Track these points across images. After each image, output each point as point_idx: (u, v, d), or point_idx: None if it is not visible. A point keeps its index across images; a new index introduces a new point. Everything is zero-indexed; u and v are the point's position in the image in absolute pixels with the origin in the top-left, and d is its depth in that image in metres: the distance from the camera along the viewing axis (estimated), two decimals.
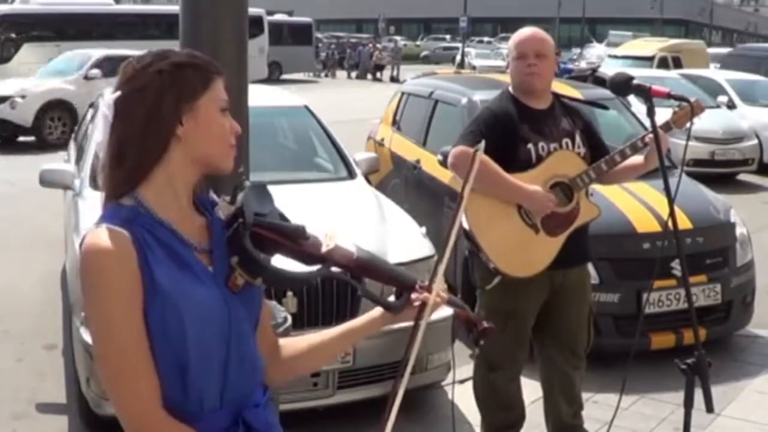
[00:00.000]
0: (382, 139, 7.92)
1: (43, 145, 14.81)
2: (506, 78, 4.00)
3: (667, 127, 3.38)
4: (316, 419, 4.12)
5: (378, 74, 37.13)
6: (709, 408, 2.55)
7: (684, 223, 5.00)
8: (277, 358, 1.79)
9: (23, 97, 15.14)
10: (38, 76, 16.72)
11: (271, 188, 1.72)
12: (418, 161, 6.79)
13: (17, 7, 25.06)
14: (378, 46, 40.49)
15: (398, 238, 4.46)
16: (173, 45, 1.95)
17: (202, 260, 1.61)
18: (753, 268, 5.56)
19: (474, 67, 36.46)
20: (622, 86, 3.11)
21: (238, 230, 1.58)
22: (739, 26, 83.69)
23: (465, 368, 4.12)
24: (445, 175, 5.68)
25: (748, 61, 17.69)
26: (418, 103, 7.48)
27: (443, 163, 4.32)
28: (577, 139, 3.59)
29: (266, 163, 5.08)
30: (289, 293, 3.86)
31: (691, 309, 2.80)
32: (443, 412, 4.36)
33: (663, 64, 20.85)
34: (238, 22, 2.76)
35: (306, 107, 6.24)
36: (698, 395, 2.57)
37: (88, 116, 7.13)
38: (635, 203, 5.27)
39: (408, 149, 7.20)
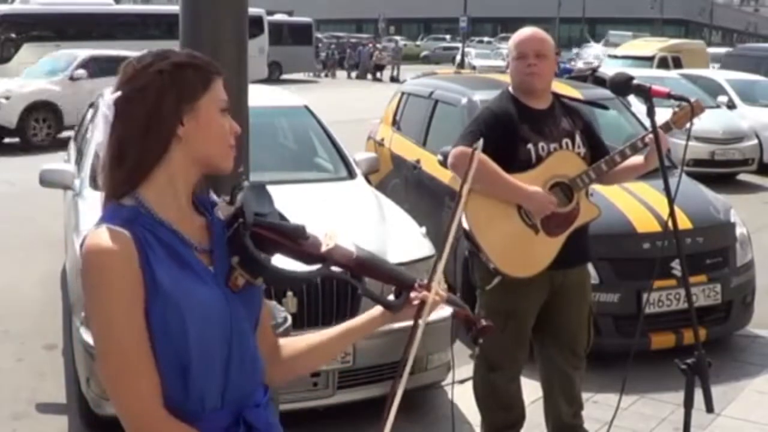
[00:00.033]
0: (382, 139, 7.92)
1: (27, 147, 14.56)
2: (506, 78, 4.00)
3: (667, 127, 3.38)
4: (316, 419, 4.12)
5: (378, 74, 37.13)
6: (709, 408, 2.55)
7: (684, 223, 5.00)
8: (277, 358, 1.79)
9: (7, 98, 14.87)
10: (24, 76, 16.49)
11: (271, 188, 1.72)
12: (418, 161, 6.79)
13: (17, 7, 25.07)
14: (378, 46, 40.49)
15: (398, 238, 4.46)
16: (173, 45, 1.95)
17: (203, 260, 1.61)
18: (753, 268, 5.56)
19: (474, 67, 36.46)
20: (622, 86, 3.11)
21: (239, 230, 1.59)
22: (739, 26, 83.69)
23: (465, 368, 4.12)
24: (445, 175, 5.68)
25: (748, 61, 17.70)
26: (418, 103, 7.48)
27: (443, 163, 4.32)
28: (577, 139, 3.59)
29: (266, 163, 5.08)
30: (289, 293, 3.86)
31: (691, 309, 2.80)
32: (443, 412, 4.36)
33: (663, 64, 20.86)
34: (238, 22, 2.76)
35: (306, 107, 6.24)
36: (698, 395, 2.57)
37: (88, 116, 7.13)
38: (635, 203, 5.27)
39: (408, 149, 7.20)
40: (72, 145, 7.77)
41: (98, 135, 1.63)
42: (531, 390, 4.00)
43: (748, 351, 5.48)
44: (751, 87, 14.32)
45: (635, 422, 4.37)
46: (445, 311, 2.04)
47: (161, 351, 1.53)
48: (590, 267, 3.93)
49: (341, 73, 38.41)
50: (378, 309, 1.79)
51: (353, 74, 38.08)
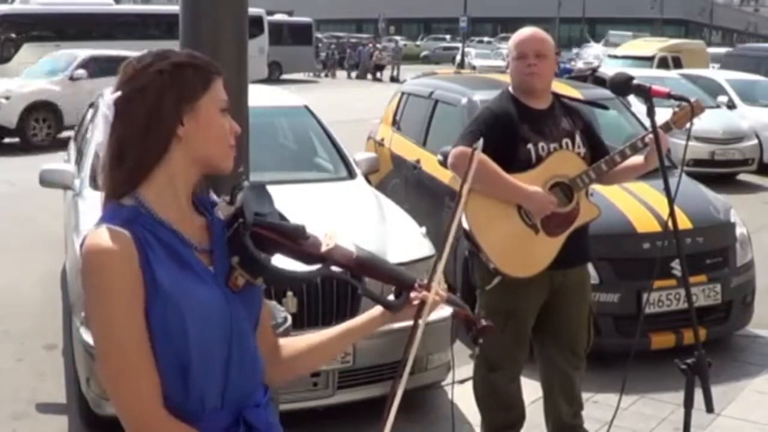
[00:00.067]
0: (382, 139, 7.92)
1: (27, 147, 14.52)
2: (506, 78, 4.00)
3: (667, 127, 3.38)
4: (316, 419, 4.12)
5: (378, 74, 37.13)
6: (709, 408, 2.55)
7: (684, 223, 5.00)
8: (277, 358, 1.79)
9: (7, 98, 14.83)
10: (24, 76, 16.44)
11: (271, 188, 1.72)
12: (418, 161, 6.79)
13: (17, 7, 25.07)
14: (378, 46, 40.48)
15: (398, 238, 4.46)
16: (173, 45, 1.95)
17: (203, 260, 1.61)
18: (753, 268, 5.56)
19: (474, 67, 36.45)
20: (622, 86, 3.11)
21: (239, 230, 1.59)
22: (739, 26, 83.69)
23: (465, 368, 4.12)
24: (445, 175, 5.68)
25: (748, 61, 17.70)
26: (418, 103, 7.48)
27: (443, 163, 4.32)
28: (577, 139, 3.58)
29: (266, 163, 5.08)
30: (289, 293, 3.86)
31: (691, 309, 2.80)
32: (443, 412, 4.36)
33: (663, 64, 20.86)
34: (238, 22, 2.76)
35: (306, 107, 6.24)
36: (698, 395, 2.57)
37: (88, 116, 7.13)
38: (635, 203, 5.27)
39: (408, 149, 7.20)
40: (72, 145, 7.77)
41: (98, 135, 1.63)
42: (531, 390, 4.00)
43: (748, 351, 5.48)
44: (751, 87, 14.32)
45: (635, 422, 4.37)
46: (445, 311, 2.04)
47: (161, 351, 1.53)
48: (590, 267, 3.93)
49: (341, 73, 38.41)
50: (378, 309, 1.79)
51: (353, 74, 38.08)
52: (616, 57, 23.10)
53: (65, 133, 14.87)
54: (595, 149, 3.62)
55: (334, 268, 1.68)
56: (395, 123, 7.93)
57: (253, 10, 21.61)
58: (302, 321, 3.86)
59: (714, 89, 13.52)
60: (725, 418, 4.38)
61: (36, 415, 4.54)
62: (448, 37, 60.91)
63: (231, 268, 1.60)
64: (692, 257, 4.92)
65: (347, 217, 4.62)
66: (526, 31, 3.62)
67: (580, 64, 26.42)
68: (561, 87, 4.84)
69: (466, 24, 42.38)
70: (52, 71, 16.02)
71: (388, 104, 8.37)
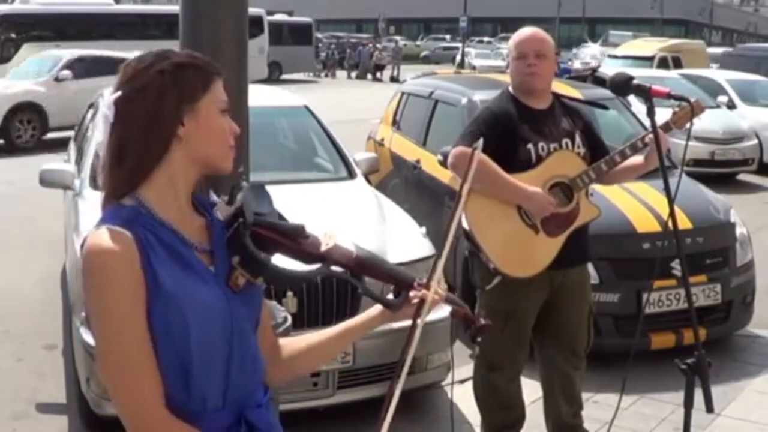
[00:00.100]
0: (382, 139, 7.92)
1: (11, 149, 14.32)
2: (506, 78, 4.00)
3: (667, 127, 3.38)
4: (316, 419, 4.12)
5: (378, 74, 37.13)
6: (709, 408, 2.55)
7: (684, 223, 5.00)
8: (277, 357, 1.79)
9: None
10: (9, 77, 16.22)
11: (271, 188, 1.72)
12: (418, 161, 6.79)
13: (17, 7, 25.07)
14: (378, 46, 40.49)
15: (398, 238, 4.46)
16: (173, 45, 1.95)
17: (203, 260, 1.61)
18: (753, 268, 5.56)
19: (474, 67, 36.46)
20: (622, 86, 3.11)
21: (239, 230, 1.59)
22: (739, 26, 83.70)
23: (465, 368, 4.12)
24: (445, 175, 5.68)
25: (748, 61, 17.70)
26: (418, 103, 7.48)
27: (443, 163, 4.32)
28: (577, 139, 3.58)
29: (266, 163, 5.08)
30: (289, 293, 3.86)
31: (691, 309, 2.80)
32: (443, 412, 4.36)
33: (663, 64, 20.87)
34: (238, 22, 2.76)
35: (306, 107, 6.24)
36: (698, 395, 2.57)
37: (88, 116, 7.13)
38: (635, 203, 5.27)
39: (408, 149, 7.20)
40: (72, 145, 7.77)
41: (98, 135, 1.63)
42: (531, 390, 4.00)
43: (748, 351, 5.48)
44: (751, 87, 14.32)
45: (635, 422, 4.37)
46: (444, 311, 2.04)
47: (163, 351, 1.53)
48: (590, 267, 3.93)
49: (341, 73, 38.40)
50: (377, 308, 1.79)
51: (353, 74, 38.08)
52: (616, 57, 23.11)
53: (50, 135, 14.83)
54: (595, 149, 3.62)
55: (334, 268, 1.68)
56: (395, 123, 7.93)
57: (253, 10, 21.62)
58: (302, 321, 3.86)
59: (714, 89, 13.53)
60: (725, 418, 4.38)
61: (36, 415, 4.54)
62: (448, 37, 60.91)
63: (231, 268, 1.60)
64: (692, 257, 4.92)
65: (347, 217, 4.62)
66: (526, 31, 3.61)
67: (576, 64, 26.47)
68: (561, 87, 4.84)
69: (466, 24, 42.37)
70: (39, 72, 15.73)
71: (388, 104, 8.37)
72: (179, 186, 1.61)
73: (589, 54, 33.64)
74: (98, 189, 1.89)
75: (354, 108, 18.22)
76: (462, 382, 4.26)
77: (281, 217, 1.69)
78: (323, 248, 1.67)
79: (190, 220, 1.64)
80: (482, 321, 1.83)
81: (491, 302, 3.56)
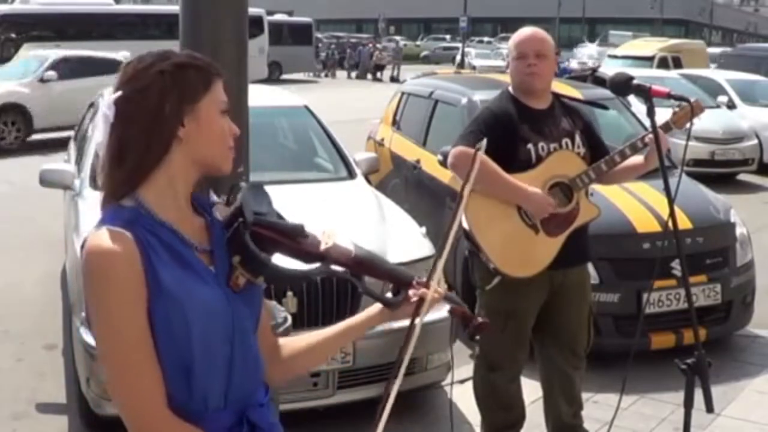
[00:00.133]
0: (382, 139, 7.92)
1: None
2: (506, 78, 4.00)
3: (666, 127, 3.38)
4: (316, 419, 4.12)
5: (378, 74, 37.13)
6: (709, 408, 2.55)
7: (684, 223, 5.00)
8: (277, 357, 1.79)
9: None
10: None
11: (271, 188, 1.72)
12: (418, 161, 6.79)
13: (17, 7, 25.09)
14: (378, 46, 40.48)
15: (398, 238, 4.46)
16: (173, 45, 1.95)
17: (204, 260, 1.61)
18: (753, 268, 5.56)
19: (474, 67, 36.46)
20: (622, 86, 3.11)
21: (239, 230, 1.59)
22: (739, 26, 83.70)
23: (465, 368, 4.12)
24: (445, 175, 5.68)
25: (748, 61, 17.70)
26: (418, 103, 7.48)
27: (443, 163, 4.32)
28: (577, 139, 3.58)
29: (266, 163, 5.08)
30: (289, 293, 3.86)
31: (691, 309, 2.80)
32: (443, 412, 4.36)
33: (663, 64, 20.87)
34: (238, 22, 2.76)
35: (306, 107, 6.24)
36: (698, 395, 2.57)
37: (88, 116, 7.13)
38: (635, 203, 5.28)
39: (408, 149, 7.20)
40: (72, 145, 7.77)
41: (98, 135, 1.63)
42: (531, 390, 4.00)
43: (748, 351, 5.48)
44: (751, 87, 14.32)
45: (635, 422, 4.37)
46: (444, 311, 2.04)
47: (164, 351, 1.53)
48: (590, 267, 3.93)
49: (341, 73, 38.40)
50: (376, 307, 1.80)
51: (353, 74, 38.08)
52: (616, 57, 23.10)
53: (35, 137, 14.65)
54: (595, 149, 3.62)
55: (334, 267, 1.69)
56: (395, 123, 7.93)
57: (253, 10, 21.61)
58: (302, 321, 3.86)
59: (714, 89, 13.53)
60: (725, 418, 4.38)
61: (36, 415, 4.54)
62: (448, 37, 60.91)
63: (232, 268, 1.60)
64: (692, 257, 4.92)
65: (347, 217, 4.62)
66: (526, 31, 3.61)
67: (573, 64, 26.49)
68: (561, 87, 4.84)
69: (466, 24, 42.38)
70: (23, 73, 15.42)
71: (388, 104, 8.37)
72: (179, 186, 1.61)
73: (586, 54, 33.67)
74: (98, 189, 1.89)
75: (354, 108, 18.22)
76: (462, 382, 4.26)
77: (280, 217, 1.70)
78: (322, 247, 1.68)
79: (190, 220, 1.64)
80: (480, 319, 1.84)
81: (491, 302, 3.56)
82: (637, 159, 3.54)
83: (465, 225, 3.45)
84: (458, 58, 40.31)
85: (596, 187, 3.95)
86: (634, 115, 6.90)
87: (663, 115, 3.26)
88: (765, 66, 16.78)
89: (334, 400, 4.12)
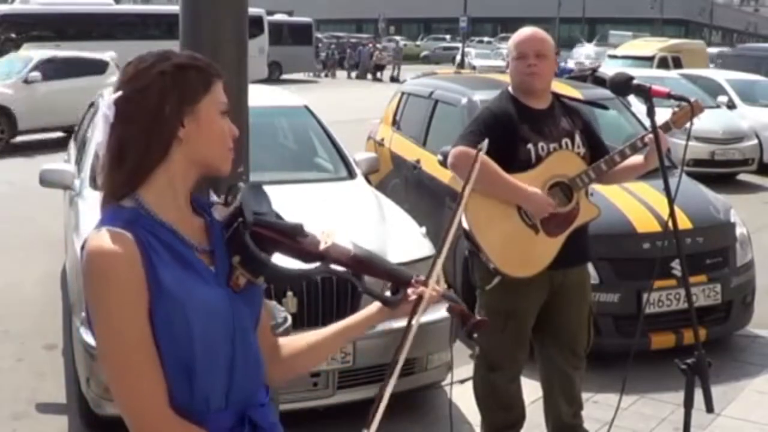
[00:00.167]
0: (382, 139, 7.92)
1: None
2: (506, 78, 4.00)
3: (666, 127, 3.38)
4: (316, 419, 4.12)
5: (378, 74, 37.13)
6: (709, 408, 2.55)
7: (684, 223, 5.01)
8: (277, 357, 1.79)
9: None
10: None
11: (271, 188, 1.73)
12: (418, 161, 6.79)
13: (17, 7, 25.10)
14: (378, 46, 40.48)
15: (398, 238, 4.46)
16: (173, 45, 1.95)
17: (204, 261, 1.61)
18: (753, 268, 5.56)
19: (474, 67, 36.46)
20: (622, 86, 3.11)
21: (239, 230, 1.59)
22: (739, 26, 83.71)
23: (465, 368, 4.13)
24: (445, 175, 5.68)
25: (748, 61, 17.70)
26: (418, 103, 7.48)
27: (443, 163, 4.32)
28: (577, 139, 3.59)
29: (266, 163, 5.08)
30: (289, 293, 3.86)
31: (691, 309, 2.80)
32: (443, 412, 4.36)
33: (663, 64, 20.87)
34: (238, 22, 2.76)
35: (306, 107, 6.24)
36: (698, 395, 2.57)
37: (88, 116, 7.13)
38: (635, 203, 5.28)
39: (408, 149, 7.20)
40: (72, 145, 7.78)
41: (98, 135, 1.63)
42: (531, 390, 4.00)
43: (748, 351, 5.48)
44: (751, 87, 14.33)
45: (635, 422, 4.37)
46: (444, 311, 2.05)
47: (166, 351, 1.53)
48: (590, 267, 3.93)
49: (341, 73, 38.40)
50: (375, 305, 1.81)
51: (353, 74, 38.08)
52: (616, 57, 23.11)
53: (20, 138, 14.47)
54: (595, 149, 3.62)
55: (334, 266, 1.69)
56: (395, 123, 7.93)
57: (253, 10, 21.62)
58: (302, 321, 3.86)
59: (714, 89, 13.53)
60: (725, 418, 4.38)
61: (36, 415, 4.54)
62: (448, 37, 60.91)
63: (232, 268, 1.60)
64: (692, 257, 4.92)
65: (347, 217, 4.62)
66: (526, 31, 3.61)
67: (570, 64, 26.50)
68: (561, 87, 4.84)
69: (466, 24, 42.38)
70: (7, 74, 15.16)
71: (388, 104, 8.37)
72: (178, 187, 1.61)
73: (583, 54, 33.69)
74: (98, 189, 1.89)
75: (354, 108, 18.22)
76: (462, 382, 4.27)
77: (279, 217, 1.70)
78: (322, 247, 1.68)
79: (189, 220, 1.64)
80: (478, 317, 1.85)
81: (491, 302, 3.56)
82: (637, 159, 3.54)
83: (465, 225, 3.45)
84: (458, 58, 40.31)
85: (596, 187, 3.95)
86: (634, 115, 6.90)
87: (663, 115, 3.27)
88: (765, 66, 16.79)
89: (334, 400, 4.12)
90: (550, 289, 3.59)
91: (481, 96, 5.95)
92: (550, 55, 3.56)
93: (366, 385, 4.12)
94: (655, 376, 4.61)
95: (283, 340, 1.85)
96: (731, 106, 13.18)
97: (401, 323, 1.79)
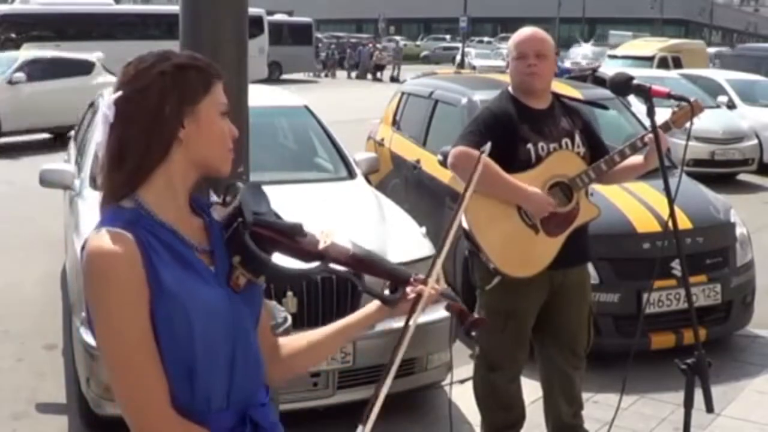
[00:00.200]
0: (382, 139, 7.92)
1: None
2: (506, 78, 4.00)
3: (666, 127, 3.38)
4: (316, 419, 4.12)
5: (378, 74, 37.14)
6: (709, 408, 2.55)
7: (684, 223, 5.01)
8: (276, 357, 1.80)
9: None
10: None
11: (271, 188, 1.73)
12: (418, 161, 6.79)
13: (17, 7, 25.11)
14: (378, 46, 40.48)
15: (398, 238, 4.46)
16: (173, 45, 1.95)
17: (204, 261, 1.61)
18: (753, 268, 5.56)
19: (474, 67, 36.46)
20: (622, 86, 3.11)
21: (239, 230, 1.59)
22: (739, 26, 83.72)
23: (465, 368, 4.13)
24: (445, 175, 5.68)
25: (748, 61, 17.70)
26: (418, 103, 7.48)
27: (443, 163, 4.33)
28: (577, 138, 3.59)
29: (266, 163, 5.08)
30: (289, 293, 3.86)
31: (691, 309, 2.80)
32: (443, 412, 4.35)
33: (663, 64, 20.87)
34: (238, 22, 2.76)
35: (306, 107, 6.24)
36: (698, 395, 2.57)
37: (88, 116, 7.13)
38: (635, 203, 5.28)
39: (408, 149, 7.20)
40: (72, 145, 7.78)
41: (98, 135, 1.63)
42: (531, 390, 4.00)
43: (748, 351, 5.48)
44: (751, 87, 14.33)
45: (635, 422, 4.37)
46: (444, 311, 2.05)
47: (167, 352, 1.53)
48: (590, 267, 3.93)
49: (341, 73, 38.41)
50: (374, 304, 1.81)
51: (353, 74, 38.08)
52: (616, 57, 23.12)
53: (3, 140, 14.23)
54: (595, 149, 3.62)
55: (333, 265, 1.69)
56: (395, 123, 7.93)
57: (253, 10, 21.63)
58: (302, 321, 3.86)
59: (714, 89, 13.53)
60: (725, 418, 4.38)
61: (36, 415, 4.54)
62: (448, 37, 60.92)
63: (232, 268, 1.60)
64: (692, 257, 4.92)
65: (347, 217, 4.62)
66: (526, 31, 3.62)
67: (567, 64, 26.52)
68: (561, 87, 4.84)
69: (466, 24, 42.38)
70: None
71: (388, 104, 8.37)
72: (178, 187, 1.61)
73: (580, 54, 33.68)
74: (98, 189, 1.89)
75: (354, 108, 18.21)
76: (462, 382, 4.27)
77: (278, 217, 1.70)
78: (321, 246, 1.68)
79: (189, 221, 1.64)
80: (476, 315, 1.85)
81: (491, 302, 3.56)
82: (636, 159, 3.54)
83: (465, 225, 3.45)
84: (458, 58, 40.31)
85: (596, 187, 3.95)
86: (634, 115, 6.90)
87: (663, 115, 3.27)
88: (765, 66, 16.79)
89: (334, 400, 4.12)
90: (550, 289, 3.59)
91: (481, 96, 5.95)
92: (550, 55, 3.56)
93: (366, 385, 4.11)
94: (655, 376, 4.61)
95: (282, 340, 1.85)
96: (731, 106, 13.18)
97: (401, 323, 1.79)
